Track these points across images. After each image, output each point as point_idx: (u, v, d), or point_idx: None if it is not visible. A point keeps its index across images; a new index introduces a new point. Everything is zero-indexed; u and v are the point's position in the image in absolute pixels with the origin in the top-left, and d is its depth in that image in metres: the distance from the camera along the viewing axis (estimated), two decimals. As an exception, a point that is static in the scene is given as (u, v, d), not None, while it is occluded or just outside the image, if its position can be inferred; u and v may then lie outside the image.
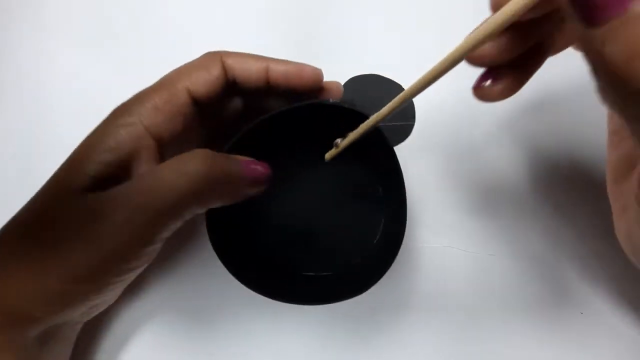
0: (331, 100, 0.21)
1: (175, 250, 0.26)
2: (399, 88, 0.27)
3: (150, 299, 0.25)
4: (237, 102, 0.22)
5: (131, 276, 0.20)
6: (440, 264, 0.25)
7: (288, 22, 0.29)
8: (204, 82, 0.20)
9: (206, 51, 0.22)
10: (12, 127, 0.30)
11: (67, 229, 0.17)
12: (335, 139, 0.20)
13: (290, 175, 0.24)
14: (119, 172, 0.18)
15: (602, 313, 0.23)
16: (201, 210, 0.18)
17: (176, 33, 0.30)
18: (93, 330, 0.25)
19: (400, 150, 0.26)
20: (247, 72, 0.20)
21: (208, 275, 0.25)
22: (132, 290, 0.25)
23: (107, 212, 0.17)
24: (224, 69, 0.20)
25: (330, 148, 0.21)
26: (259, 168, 0.20)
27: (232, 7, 0.30)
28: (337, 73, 0.23)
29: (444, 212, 0.26)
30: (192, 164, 0.17)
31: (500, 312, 0.24)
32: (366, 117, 0.18)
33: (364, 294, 0.20)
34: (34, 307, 0.17)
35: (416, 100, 0.27)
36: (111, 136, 0.18)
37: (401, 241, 0.19)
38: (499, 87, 0.16)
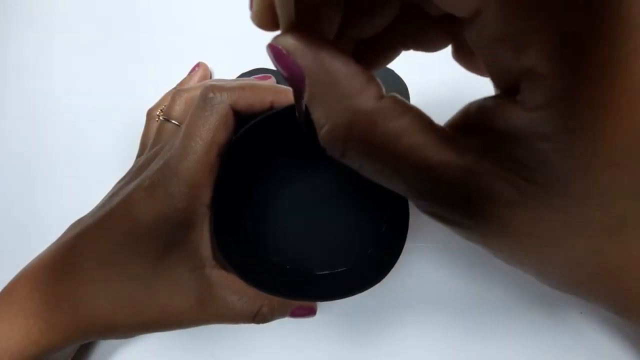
0: None
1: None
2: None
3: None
4: None
5: None
6: (440, 263, 0.25)
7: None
8: (226, 140, 0.21)
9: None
10: (13, 127, 0.30)
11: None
12: None
13: (294, 175, 0.24)
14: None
15: (602, 313, 0.23)
16: None
17: (176, 33, 0.30)
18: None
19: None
20: (252, 110, 0.22)
21: None
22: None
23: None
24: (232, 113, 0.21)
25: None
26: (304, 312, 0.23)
27: (232, 7, 0.30)
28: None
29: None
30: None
31: (500, 312, 0.24)
32: None
33: (363, 293, 0.20)
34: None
35: (412, 96, 0.27)
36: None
37: (407, 226, 0.20)
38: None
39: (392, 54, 0.17)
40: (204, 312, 0.20)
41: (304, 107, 0.15)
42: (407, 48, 0.17)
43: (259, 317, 0.21)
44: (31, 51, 0.32)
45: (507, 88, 0.11)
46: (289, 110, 0.20)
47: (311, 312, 0.23)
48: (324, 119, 0.12)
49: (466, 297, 0.24)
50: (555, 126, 0.10)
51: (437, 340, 0.24)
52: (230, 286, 0.20)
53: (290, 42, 0.12)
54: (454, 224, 0.14)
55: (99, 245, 0.20)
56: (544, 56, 0.09)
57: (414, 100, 0.27)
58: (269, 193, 0.23)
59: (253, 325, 0.24)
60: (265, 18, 0.12)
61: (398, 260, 0.21)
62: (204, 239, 0.20)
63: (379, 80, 0.12)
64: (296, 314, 0.22)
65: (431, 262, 0.25)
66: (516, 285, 0.24)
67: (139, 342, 0.25)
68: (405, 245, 0.25)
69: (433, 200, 0.13)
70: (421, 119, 0.12)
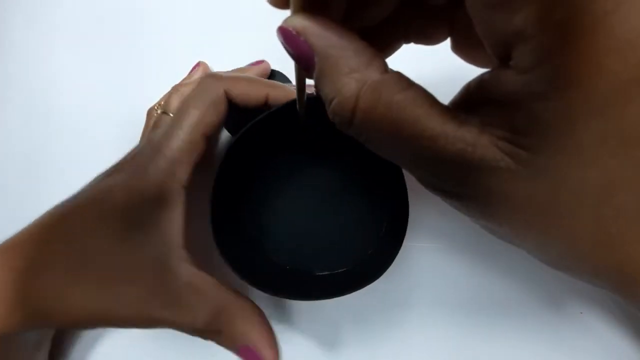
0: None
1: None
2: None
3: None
4: None
5: None
6: (440, 263, 0.25)
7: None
8: (216, 122, 0.21)
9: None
10: (14, 127, 0.30)
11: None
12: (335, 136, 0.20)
13: (294, 175, 0.24)
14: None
15: (602, 313, 0.23)
16: None
17: (176, 33, 0.30)
18: (92, 331, 0.25)
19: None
20: (247, 100, 0.21)
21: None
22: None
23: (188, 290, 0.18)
24: (227, 99, 0.21)
25: (332, 145, 0.21)
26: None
27: (233, 7, 0.30)
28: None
29: (444, 211, 0.26)
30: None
31: (500, 312, 0.24)
32: None
33: (363, 293, 0.20)
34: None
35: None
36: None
37: (406, 226, 0.20)
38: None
39: (393, 46, 0.18)
40: (152, 306, 0.18)
41: (305, 98, 0.16)
42: (408, 41, 0.18)
43: (210, 333, 0.18)
44: (32, 51, 0.32)
45: (502, 57, 0.12)
46: (288, 107, 0.20)
47: None
48: (332, 93, 0.13)
49: (466, 297, 0.25)
50: (545, 85, 0.11)
51: (437, 340, 0.24)
52: (193, 285, 0.18)
53: (300, 22, 0.13)
54: (455, 197, 0.15)
55: (69, 221, 0.19)
56: (532, 17, 0.10)
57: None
58: (269, 193, 0.23)
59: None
60: None
61: (398, 261, 0.21)
62: (174, 223, 0.19)
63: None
64: (243, 355, 0.19)
65: (431, 262, 0.25)
66: (516, 285, 0.24)
67: (140, 343, 0.25)
68: (406, 245, 0.25)
69: (435, 173, 0.14)
70: (425, 94, 0.13)
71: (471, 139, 0.12)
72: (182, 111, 0.20)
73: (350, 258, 0.23)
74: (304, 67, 0.13)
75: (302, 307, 0.25)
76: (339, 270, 0.23)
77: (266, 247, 0.23)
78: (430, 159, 0.13)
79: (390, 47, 0.18)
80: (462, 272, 0.25)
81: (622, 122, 0.11)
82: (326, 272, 0.23)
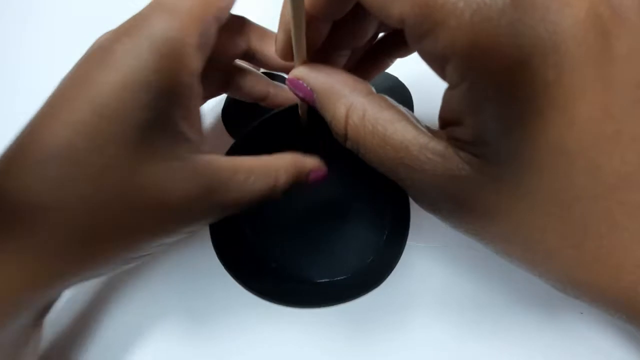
0: None
1: (179, 253, 0.26)
2: None
3: (154, 302, 0.25)
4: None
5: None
6: (440, 263, 0.25)
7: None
8: (228, 4, 0.18)
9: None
10: (15, 127, 0.30)
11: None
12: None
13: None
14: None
15: (602, 313, 0.23)
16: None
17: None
18: (91, 331, 0.25)
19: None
20: (251, 88, 0.22)
21: (212, 280, 0.25)
22: (135, 293, 0.25)
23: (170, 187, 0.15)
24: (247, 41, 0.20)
25: (332, 152, 0.21)
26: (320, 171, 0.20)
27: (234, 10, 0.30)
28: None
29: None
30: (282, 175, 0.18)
31: (500, 312, 0.24)
32: None
33: (365, 296, 0.20)
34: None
35: (413, 93, 0.28)
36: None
37: (407, 234, 0.20)
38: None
39: (382, 65, 0.21)
40: (215, 199, 0.16)
41: (307, 105, 0.18)
42: (392, 58, 0.21)
43: (276, 187, 0.18)
44: (33, 52, 0.32)
45: (442, 75, 0.14)
46: (289, 112, 0.20)
47: (324, 173, 0.20)
48: (329, 117, 0.16)
49: (466, 297, 0.24)
50: (471, 99, 0.12)
51: (437, 341, 0.24)
52: (233, 167, 0.17)
53: (300, 71, 0.17)
54: (443, 214, 0.16)
55: (51, 135, 0.14)
56: (453, 45, 0.12)
57: (417, 107, 0.27)
58: (269, 205, 0.23)
59: (259, 327, 0.24)
60: (286, 55, 0.17)
61: (399, 261, 0.21)
62: (193, 115, 0.17)
63: (369, 84, 0.16)
64: (312, 178, 0.19)
65: (431, 262, 0.25)
66: (516, 285, 0.24)
67: (139, 344, 0.25)
68: (406, 245, 0.25)
69: (419, 188, 0.15)
70: (404, 113, 0.15)
71: (440, 150, 0.14)
72: None
73: (351, 266, 0.23)
74: (309, 103, 0.17)
75: (291, 311, 0.25)
76: (339, 278, 0.22)
77: (266, 254, 0.23)
78: (410, 171, 0.15)
79: (379, 66, 0.21)
80: (462, 273, 0.25)
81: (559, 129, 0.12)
82: (326, 280, 0.23)
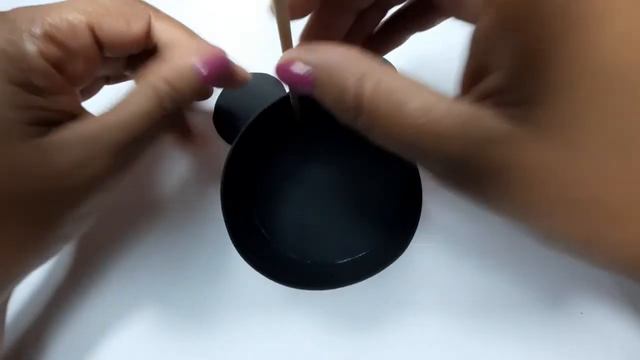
0: None
1: (176, 251, 0.25)
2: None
3: (150, 300, 0.25)
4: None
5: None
6: (440, 263, 0.25)
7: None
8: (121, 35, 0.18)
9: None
10: None
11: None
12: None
13: (298, 170, 0.24)
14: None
15: (602, 313, 0.23)
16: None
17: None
18: (90, 331, 0.24)
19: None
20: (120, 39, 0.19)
21: (207, 277, 0.25)
22: (133, 292, 0.25)
23: (59, 157, 0.16)
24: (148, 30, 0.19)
25: (332, 136, 0.21)
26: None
27: (235, 13, 0.29)
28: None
29: (446, 210, 0.25)
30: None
31: (500, 312, 0.24)
32: None
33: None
34: None
35: None
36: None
37: (417, 222, 0.20)
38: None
39: (398, 40, 0.20)
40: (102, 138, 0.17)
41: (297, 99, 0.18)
42: (410, 33, 0.20)
43: (161, 106, 0.17)
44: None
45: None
46: (281, 103, 0.20)
47: (223, 62, 0.18)
48: (337, 92, 0.14)
49: (466, 297, 0.24)
50: (499, 29, 0.11)
51: (437, 340, 0.24)
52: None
53: (294, 53, 0.15)
54: (469, 187, 0.14)
55: None
56: None
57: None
58: (276, 191, 0.23)
59: (255, 320, 0.24)
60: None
61: (400, 260, 0.21)
62: (68, 98, 0.17)
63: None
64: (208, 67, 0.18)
65: (431, 262, 0.25)
66: (516, 285, 0.24)
67: (140, 345, 0.24)
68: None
69: (443, 159, 0.13)
70: (420, 82, 0.13)
71: (471, 112, 0.12)
72: None
73: (367, 242, 0.23)
74: (307, 88, 0.15)
75: (304, 306, 0.25)
76: (359, 255, 0.23)
77: (279, 243, 0.24)
78: (437, 143, 0.13)
79: (396, 39, 0.20)
80: (462, 273, 0.25)
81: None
82: (348, 259, 0.23)
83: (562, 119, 0.11)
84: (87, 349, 0.24)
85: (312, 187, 0.24)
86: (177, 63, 0.17)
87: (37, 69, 0.16)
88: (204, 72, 0.17)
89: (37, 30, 0.16)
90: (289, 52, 0.15)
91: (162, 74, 0.17)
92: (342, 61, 0.14)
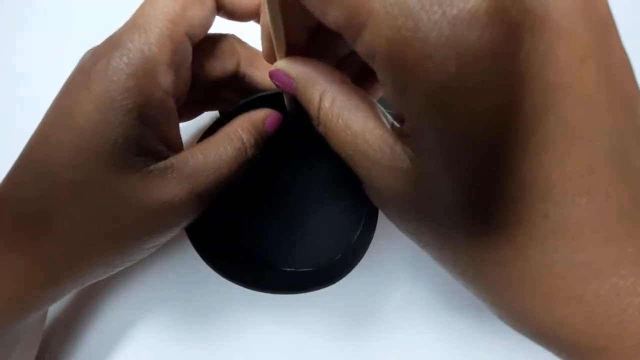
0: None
1: (175, 251, 0.26)
2: None
3: (146, 300, 0.25)
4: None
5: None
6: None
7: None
8: (203, 20, 0.18)
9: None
10: (15, 127, 0.30)
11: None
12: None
13: (273, 170, 0.24)
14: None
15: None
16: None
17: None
18: (89, 331, 0.25)
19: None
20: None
21: (200, 276, 0.26)
22: (131, 292, 0.25)
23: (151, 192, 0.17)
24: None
25: (312, 144, 0.21)
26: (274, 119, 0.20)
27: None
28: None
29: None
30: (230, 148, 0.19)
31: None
32: None
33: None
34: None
35: None
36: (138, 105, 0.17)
37: (372, 237, 0.20)
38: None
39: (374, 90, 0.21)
40: (197, 188, 0.18)
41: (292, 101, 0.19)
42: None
43: (245, 147, 0.19)
44: (34, 52, 0.32)
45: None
46: (273, 97, 0.20)
47: (277, 115, 0.21)
48: (306, 102, 0.17)
49: (466, 297, 0.24)
50: (396, 93, 0.13)
51: (437, 340, 0.24)
52: (200, 150, 0.18)
53: (282, 64, 0.17)
54: (387, 209, 0.17)
55: (38, 153, 0.16)
56: (373, 43, 0.12)
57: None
58: (246, 187, 0.23)
59: (247, 322, 0.24)
60: (271, 59, 0.17)
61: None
62: (167, 130, 0.18)
63: (344, 74, 0.17)
64: (269, 125, 0.20)
65: (431, 262, 0.25)
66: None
67: (139, 346, 0.25)
68: (405, 245, 0.25)
69: (370, 179, 0.16)
70: (371, 105, 0.16)
71: (391, 142, 0.14)
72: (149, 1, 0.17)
73: (317, 259, 0.23)
74: (291, 92, 0.17)
75: (300, 307, 0.25)
76: (303, 270, 0.22)
77: (245, 240, 0.23)
78: (364, 160, 0.15)
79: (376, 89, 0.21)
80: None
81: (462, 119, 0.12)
82: (291, 269, 0.23)
83: (425, 171, 0.13)
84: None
85: (287, 191, 0.24)
86: (256, 115, 0.20)
87: (157, 101, 0.17)
88: (269, 129, 0.20)
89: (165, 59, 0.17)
90: (279, 62, 0.17)
91: (244, 123, 0.19)
92: (313, 76, 0.16)
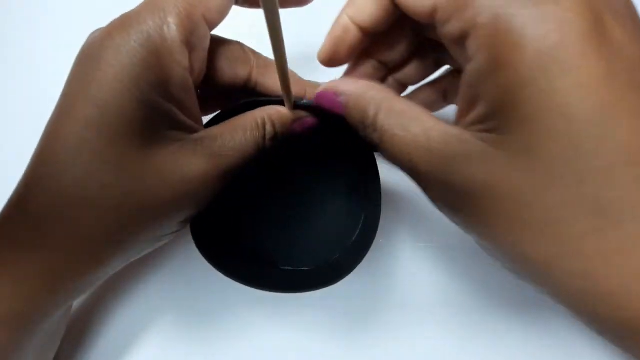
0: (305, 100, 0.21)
1: (174, 250, 0.26)
2: None
3: (148, 300, 0.25)
4: None
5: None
6: (440, 263, 0.25)
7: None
8: (221, 5, 0.19)
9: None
10: (16, 127, 0.30)
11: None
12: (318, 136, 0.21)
13: (275, 169, 0.24)
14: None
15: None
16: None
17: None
18: (89, 331, 0.25)
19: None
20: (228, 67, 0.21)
21: (205, 276, 0.25)
22: (130, 292, 0.25)
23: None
24: None
25: (313, 144, 0.22)
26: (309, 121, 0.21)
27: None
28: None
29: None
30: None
31: (499, 311, 0.24)
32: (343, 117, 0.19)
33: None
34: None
35: None
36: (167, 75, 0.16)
37: (373, 238, 0.20)
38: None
39: (428, 71, 0.23)
40: (222, 164, 0.18)
41: (292, 100, 0.19)
42: (438, 66, 0.23)
43: (263, 136, 0.19)
44: (34, 52, 0.32)
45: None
46: (273, 103, 0.20)
47: (313, 122, 0.21)
48: (360, 114, 0.18)
49: (466, 297, 0.25)
50: (485, 69, 0.13)
51: (437, 340, 0.24)
52: (229, 129, 0.19)
53: (332, 83, 0.19)
54: (443, 200, 0.16)
55: (65, 133, 0.15)
56: (474, 19, 0.13)
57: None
58: (248, 187, 0.23)
59: (251, 321, 0.24)
60: (330, 59, 0.20)
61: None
62: (188, 104, 0.18)
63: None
64: (298, 127, 0.20)
65: (431, 262, 0.25)
66: (516, 285, 0.24)
67: (139, 345, 0.25)
68: (405, 245, 0.25)
69: (435, 177, 0.16)
70: (424, 109, 0.17)
71: (457, 133, 0.15)
72: None
73: (329, 254, 0.23)
74: (337, 111, 0.19)
75: (301, 308, 0.25)
76: (301, 269, 0.22)
77: (244, 238, 0.23)
78: (430, 157, 0.15)
79: (427, 72, 0.23)
80: (461, 273, 0.25)
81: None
82: (289, 268, 0.23)
83: (524, 147, 0.13)
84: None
85: (287, 187, 0.24)
86: (281, 109, 0.20)
87: (179, 78, 0.17)
88: (298, 128, 0.20)
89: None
90: (328, 83, 0.19)
91: (269, 112, 0.19)
92: (366, 92, 0.18)
